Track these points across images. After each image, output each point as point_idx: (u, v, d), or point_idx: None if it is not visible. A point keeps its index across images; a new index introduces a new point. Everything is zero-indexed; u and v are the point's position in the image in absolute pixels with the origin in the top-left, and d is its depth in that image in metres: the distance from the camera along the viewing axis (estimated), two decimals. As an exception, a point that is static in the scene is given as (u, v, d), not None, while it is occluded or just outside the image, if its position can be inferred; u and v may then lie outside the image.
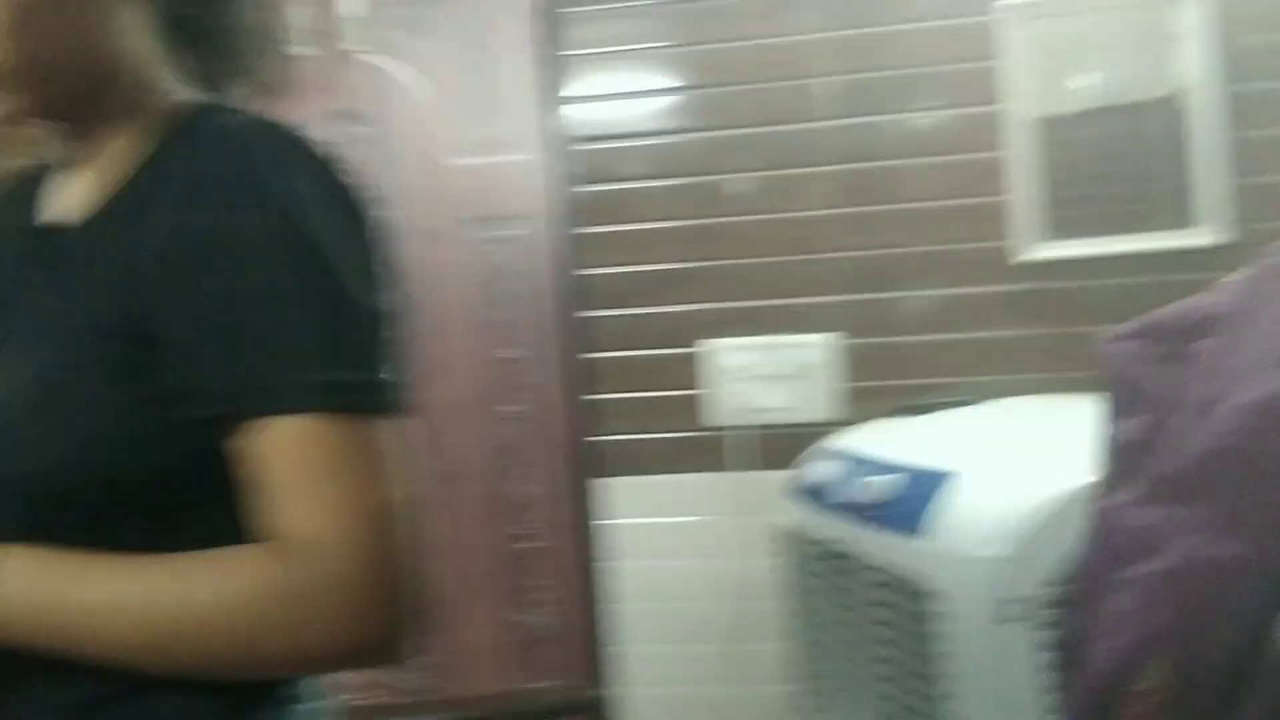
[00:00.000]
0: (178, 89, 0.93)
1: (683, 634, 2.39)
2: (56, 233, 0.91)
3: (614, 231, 2.41)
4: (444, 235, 2.43)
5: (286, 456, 0.78)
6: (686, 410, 2.39)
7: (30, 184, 0.99)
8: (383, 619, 0.78)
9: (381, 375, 0.81)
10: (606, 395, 2.42)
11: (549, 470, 2.43)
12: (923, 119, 2.33)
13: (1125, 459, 0.73)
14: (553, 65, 2.42)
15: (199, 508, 0.82)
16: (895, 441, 1.90)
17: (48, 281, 0.88)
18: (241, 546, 0.80)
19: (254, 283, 0.79)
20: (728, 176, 2.38)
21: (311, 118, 2.48)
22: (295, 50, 1.06)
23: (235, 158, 0.83)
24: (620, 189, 2.41)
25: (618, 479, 2.42)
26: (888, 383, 2.32)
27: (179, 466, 0.81)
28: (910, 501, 1.69)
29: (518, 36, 2.42)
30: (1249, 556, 0.59)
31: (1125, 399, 0.76)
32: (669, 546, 2.40)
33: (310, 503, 0.77)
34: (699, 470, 2.38)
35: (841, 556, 1.84)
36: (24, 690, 0.83)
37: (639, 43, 2.41)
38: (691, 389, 2.39)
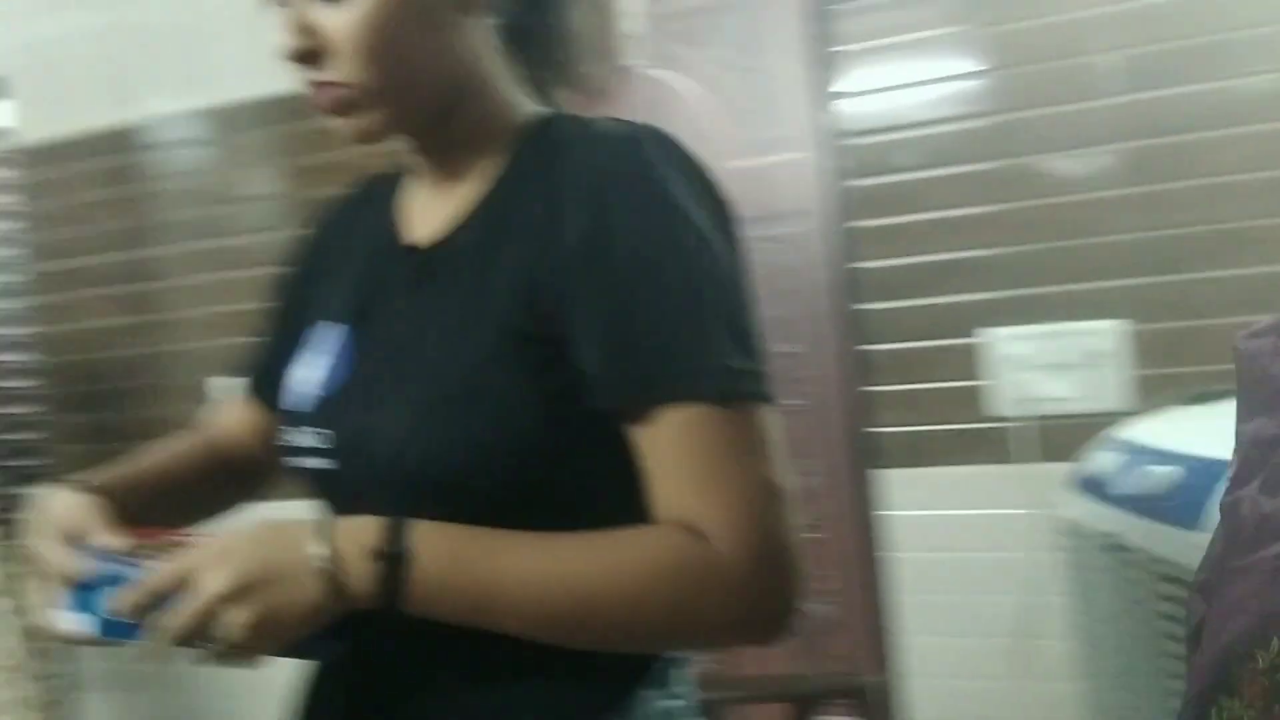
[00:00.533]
0: (521, 100, 0.99)
1: (964, 626, 2.36)
2: (435, 249, 0.96)
3: (888, 224, 2.41)
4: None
5: (681, 443, 0.82)
6: (967, 401, 2.35)
7: (378, 196, 1.06)
8: (771, 597, 0.81)
9: (761, 364, 0.85)
10: (884, 387, 2.43)
11: (828, 462, 2.46)
12: (1222, 90, 2.19)
13: (1256, 453, 0.71)
14: (824, 62, 2.45)
15: (596, 495, 0.87)
16: (1179, 431, 1.81)
17: (442, 294, 0.93)
18: (645, 527, 0.83)
19: (652, 281, 0.83)
20: (1006, 162, 2.33)
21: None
22: (622, 56, 1.11)
23: (630, 160, 0.87)
24: (894, 181, 2.41)
25: (897, 470, 2.41)
26: (1181, 370, 2.20)
27: (582, 456, 0.86)
28: (1190, 492, 1.61)
29: (789, 37, 2.46)
30: None
31: (1260, 396, 0.73)
32: (951, 539, 2.37)
33: (705, 487, 0.81)
34: (981, 462, 2.34)
35: (1123, 549, 1.78)
36: (438, 666, 0.90)
37: (910, 33, 2.40)
38: (972, 380, 2.36)
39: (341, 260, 1.06)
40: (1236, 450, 0.75)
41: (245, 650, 0.81)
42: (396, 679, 0.91)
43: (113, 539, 0.87)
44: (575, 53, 1.04)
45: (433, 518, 0.84)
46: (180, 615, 0.80)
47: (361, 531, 0.82)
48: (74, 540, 0.87)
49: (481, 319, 0.88)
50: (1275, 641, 0.61)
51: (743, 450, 0.82)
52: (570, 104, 1.04)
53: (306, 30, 0.90)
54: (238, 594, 0.80)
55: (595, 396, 0.84)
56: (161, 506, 1.01)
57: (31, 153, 3.14)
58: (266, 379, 1.10)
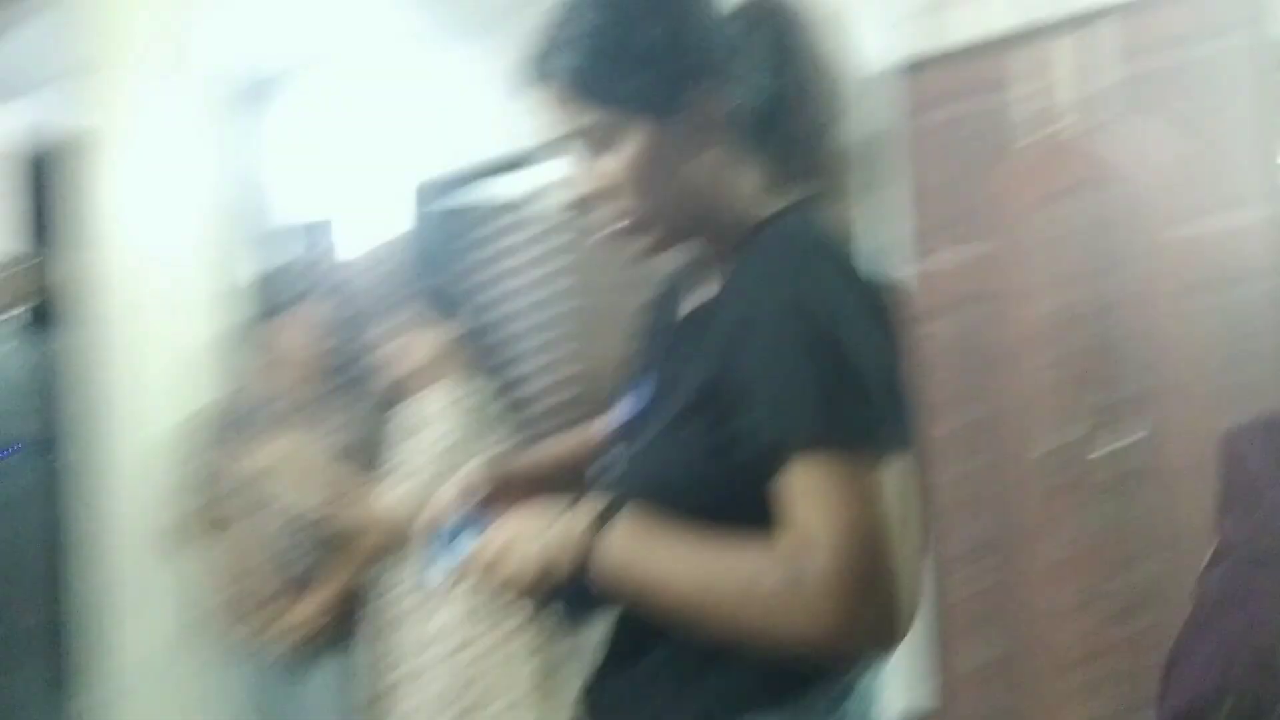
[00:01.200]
0: (759, 201, 1.22)
1: None
2: (684, 322, 1.27)
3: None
4: (1171, 300, 2.47)
5: (799, 485, 1.03)
6: None
7: (679, 282, 1.35)
8: (859, 617, 0.99)
9: (880, 424, 1.05)
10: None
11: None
12: None
13: (1224, 546, 0.74)
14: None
15: (747, 525, 1.08)
16: None
17: (682, 357, 1.21)
18: (763, 548, 1.05)
19: (776, 358, 1.06)
20: None
21: (1031, 200, 2.67)
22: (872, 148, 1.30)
23: (773, 261, 1.12)
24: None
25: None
26: None
27: (737, 491, 1.10)
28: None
29: (1241, 96, 2.40)
30: None
31: (1237, 492, 0.75)
32: None
33: (812, 518, 1.02)
34: None
35: None
36: (655, 645, 1.17)
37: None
38: None
39: (661, 322, 1.37)
40: (1216, 540, 0.79)
41: (518, 596, 1.18)
42: (626, 652, 1.22)
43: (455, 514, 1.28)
44: (813, 150, 1.24)
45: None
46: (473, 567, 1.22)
47: (577, 518, 1.15)
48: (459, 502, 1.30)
49: (688, 380, 1.16)
50: (1227, 704, 0.67)
51: (848, 491, 1.01)
52: (819, 194, 1.24)
53: (583, 179, 1.20)
54: (505, 550, 1.17)
55: (747, 445, 1.07)
56: (546, 487, 1.40)
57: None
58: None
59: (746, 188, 1.22)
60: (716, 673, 1.13)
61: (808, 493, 1.03)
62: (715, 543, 1.08)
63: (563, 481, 1.42)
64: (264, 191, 4.70)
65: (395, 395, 2.96)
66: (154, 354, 3.23)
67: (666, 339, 1.31)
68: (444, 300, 2.87)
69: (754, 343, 1.08)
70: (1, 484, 4.19)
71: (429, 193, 4.25)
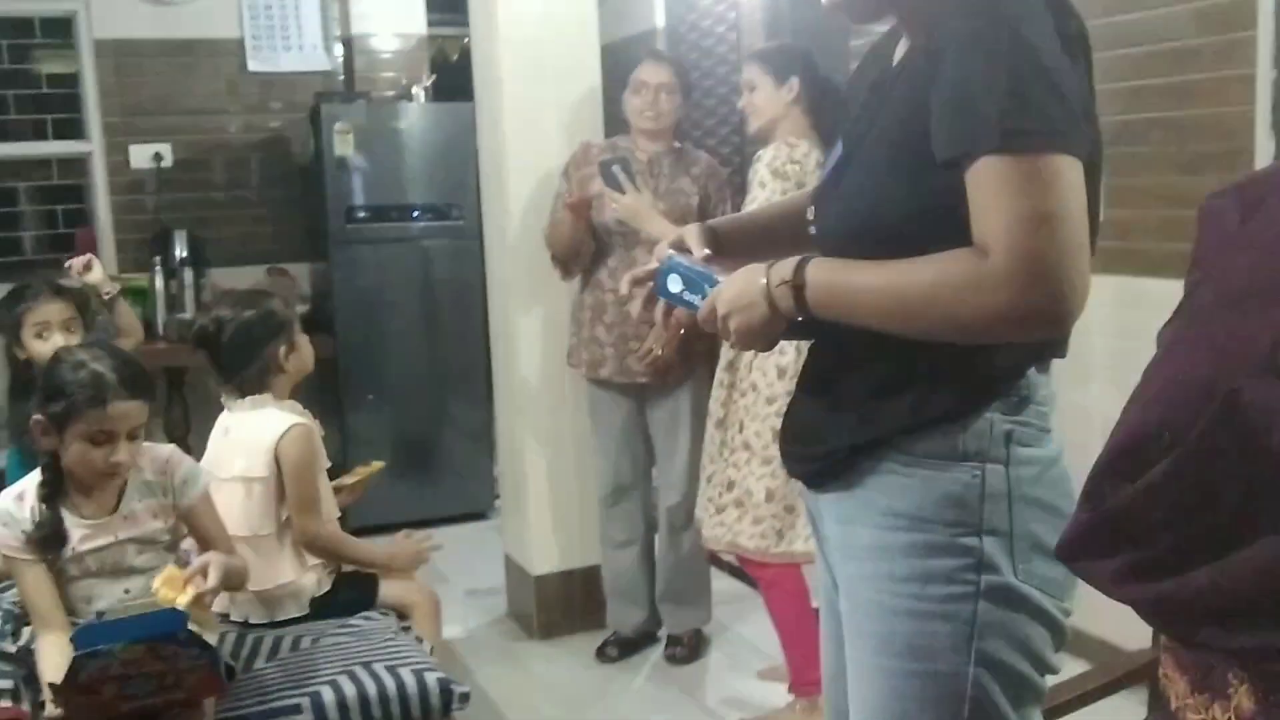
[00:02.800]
0: None
1: None
2: (885, 75, 1.36)
3: None
4: None
5: (983, 187, 1.14)
6: None
7: (881, 51, 1.42)
8: (1030, 296, 1.10)
9: (1057, 125, 1.12)
10: None
11: None
12: None
13: (1187, 294, 0.72)
14: None
15: (947, 237, 1.18)
16: None
17: (880, 106, 1.32)
18: (953, 251, 1.16)
19: (972, 68, 1.15)
20: None
21: None
22: None
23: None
24: None
25: None
26: None
27: (933, 212, 1.21)
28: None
29: None
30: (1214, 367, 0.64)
31: (1204, 248, 0.71)
32: None
33: (991, 217, 1.13)
34: None
35: None
36: (842, 378, 1.34)
37: None
38: None
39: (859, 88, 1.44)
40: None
41: (744, 343, 1.35)
42: (832, 359, 1.37)
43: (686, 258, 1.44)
44: None
45: (851, 251, 1.26)
46: (706, 320, 1.37)
47: (784, 268, 1.29)
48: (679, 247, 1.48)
49: (888, 120, 1.28)
50: (1165, 436, 0.71)
51: (1022, 189, 1.10)
52: None
53: None
54: (728, 318, 1.33)
55: (936, 156, 1.18)
56: (754, 244, 1.54)
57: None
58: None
59: None
60: (892, 400, 1.28)
61: (989, 192, 1.13)
62: (905, 259, 1.21)
63: (775, 237, 1.55)
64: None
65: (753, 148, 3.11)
66: (529, 118, 3.54)
67: (860, 101, 1.40)
68: (783, 60, 2.94)
69: (949, 56, 1.18)
70: (415, 240, 4.82)
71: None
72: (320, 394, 4.90)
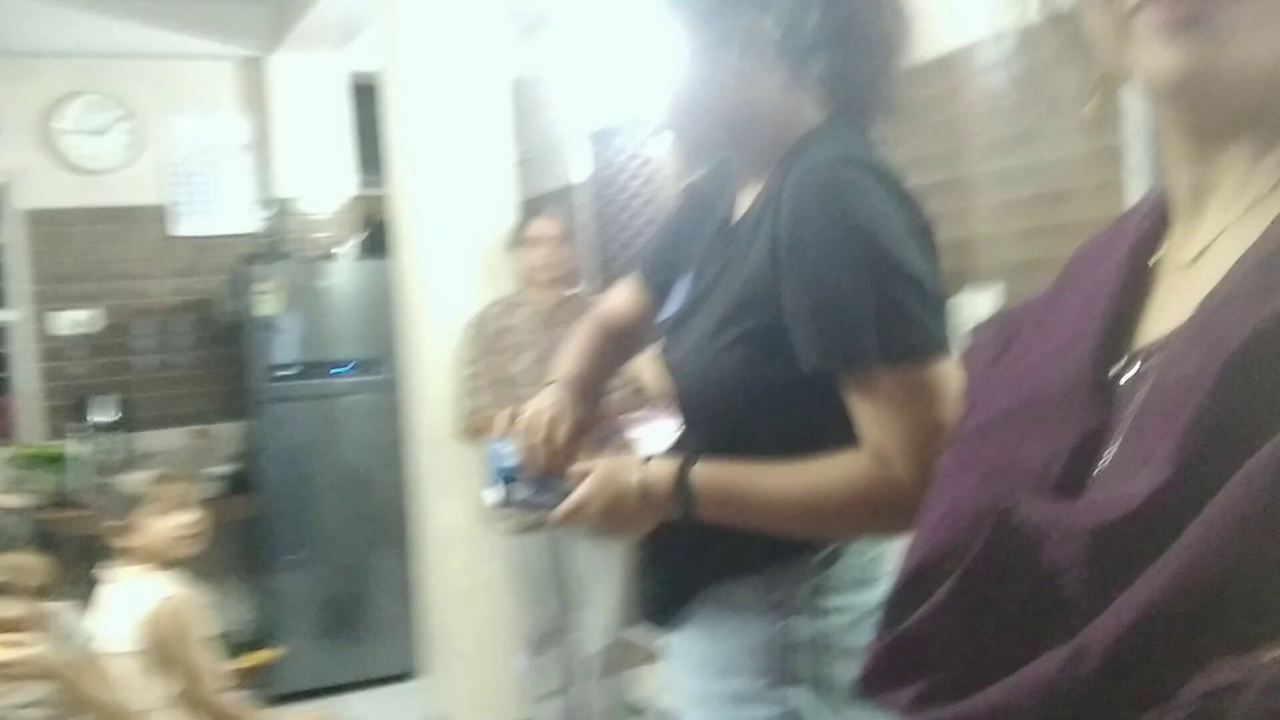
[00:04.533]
0: (803, 115, 1.26)
1: None
2: (730, 230, 1.34)
3: None
4: None
5: (873, 399, 1.15)
6: None
7: (720, 186, 1.40)
8: (911, 505, 1.10)
9: (932, 332, 1.14)
10: None
11: None
12: None
13: (960, 421, 0.77)
14: None
15: (802, 424, 1.21)
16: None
17: (724, 264, 1.31)
18: (847, 455, 1.17)
19: (837, 280, 1.15)
20: None
21: None
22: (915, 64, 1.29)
23: (818, 176, 1.18)
24: None
25: None
26: None
27: (779, 395, 1.21)
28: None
29: None
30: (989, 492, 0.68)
31: (970, 377, 0.76)
32: None
33: (889, 430, 1.14)
34: None
35: None
36: (663, 527, 1.31)
37: None
38: None
39: (712, 219, 1.42)
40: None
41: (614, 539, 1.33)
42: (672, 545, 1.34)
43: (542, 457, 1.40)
44: (866, 65, 1.26)
45: (697, 423, 1.28)
46: (565, 520, 1.33)
47: (662, 473, 1.25)
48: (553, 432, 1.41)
49: (733, 288, 1.25)
50: (948, 560, 0.72)
51: (918, 398, 1.11)
52: (875, 112, 1.28)
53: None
54: (598, 523, 1.30)
55: (803, 363, 1.17)
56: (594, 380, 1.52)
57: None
58: (653, 268, 1.52)
59: (790, 104, 1.27)
60: (708, 547, 1.29)
61: (880, 405, 1.14)
62: (800, 465, 1.20)
63: (613, 364, 1.60)
64: (549, 106, 5.03)
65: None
66: (447, 273, 3.61)
67: (710, 241, 1.39)
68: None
69: (805, 260, 1.17)
70: (340, 396, 4.83)
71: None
72: (244, 555, 4.84)
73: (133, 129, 5.13)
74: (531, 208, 3.56)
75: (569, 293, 3.48)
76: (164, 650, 2.43)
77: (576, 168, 5.12)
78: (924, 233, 1.21)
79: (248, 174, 5.33)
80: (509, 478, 1.37)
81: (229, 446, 5.10)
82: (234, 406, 5.08)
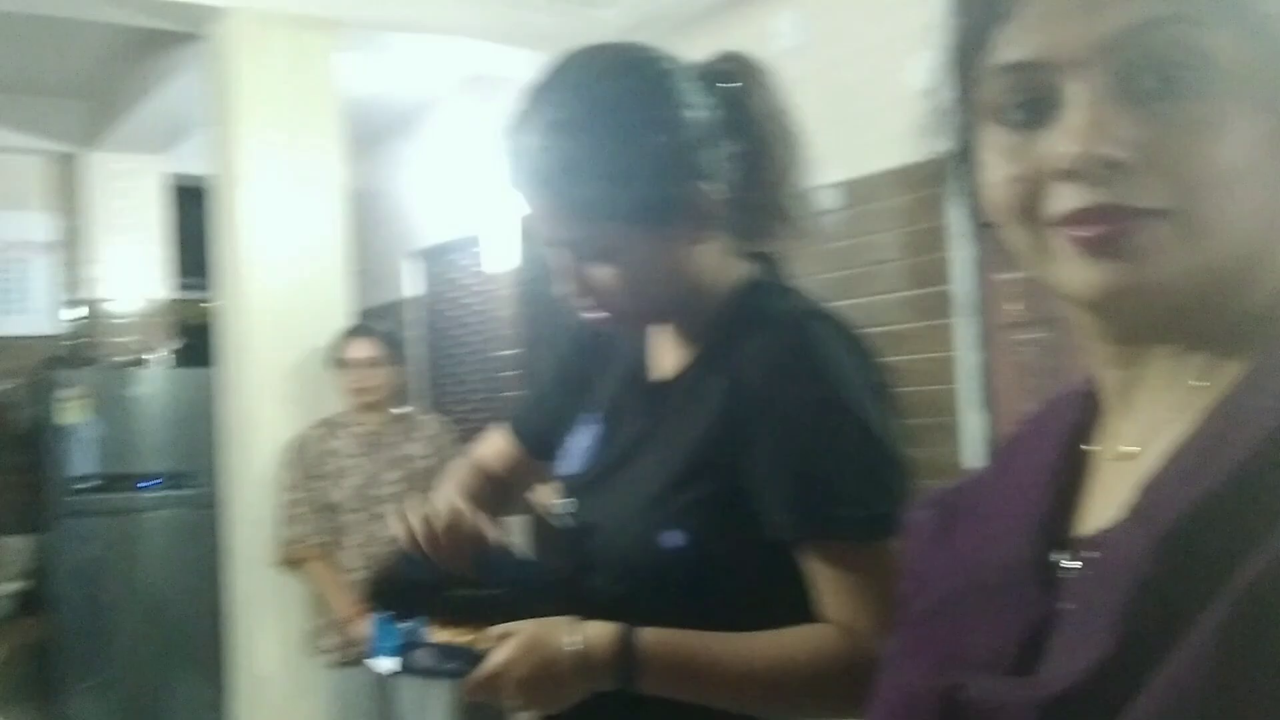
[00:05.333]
0: (729, 266, 1.22)
1: None
2: (660, 387, 1.25)
3: None
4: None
5: (837, 569, 1.10)
6: None
7: (629, 343, 1.32)
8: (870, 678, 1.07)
9: (893, 503, 1.09)
10: None
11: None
12: None
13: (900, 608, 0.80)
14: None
15: (754, 593, 1.14)
16: None
17: (659, 421, 1.23)
18: (813, 627, 1.10)
19: (805, 442, 1.10)
20: None
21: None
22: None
23: (769, 336, 1.14)
24: None
25: None
26: None
27: (727, 561, 1.15)
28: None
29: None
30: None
31: (909, 562, 0.80)
32: None
33: (857, 602, 1.08)
34: None
35: None
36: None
37: None
38: None
39: (608, 368, 1.35)
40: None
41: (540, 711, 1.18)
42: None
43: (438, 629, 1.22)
44: (781, 205, 1.23)
45: (635, 588, 1.17)
46: (479, 690, 1.15)
47: (600, 639, 1.11)
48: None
49: (680, 449, 1.18)
50: None
51: (884, 570, 1.05)
52: (786, 242, 1.26)
53: (573, 280, 1.19)
54: (518, 663, 1.12)
55: (767, 530, 1.11)
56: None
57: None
58: (529, 426, 1.44)
59: (719, 259, 1.23)
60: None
61: (847, 579, 1.09)
62: (760, 635, 1.12)
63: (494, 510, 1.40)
64: (407, 215, 4.96)
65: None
66: (275, 386, 3.49)
67: (631, 386, 1.31)
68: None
69: (776, 425, 1.12)
70: (144, 511, 4.57)
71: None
72: (32, 680, 4.47)
73: (-70, 221, 4.82)
74: (350, 328, 3.46)
75: (396, 412, 3.40)
76: None
77: (410, 282, 5.07)
78: (886, 391, 1.18)
79: (55, 273, 5.06)
80: (407, 644, 1.21)
81: (19, 562, 4.73)
82: (27, 519, 4.73)
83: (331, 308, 3.56)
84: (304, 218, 3.57)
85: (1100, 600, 0.59)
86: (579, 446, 1.32)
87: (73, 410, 4.45)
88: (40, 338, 4.97)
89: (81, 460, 4.46)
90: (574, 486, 1.31)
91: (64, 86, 4.80)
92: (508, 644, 1.13)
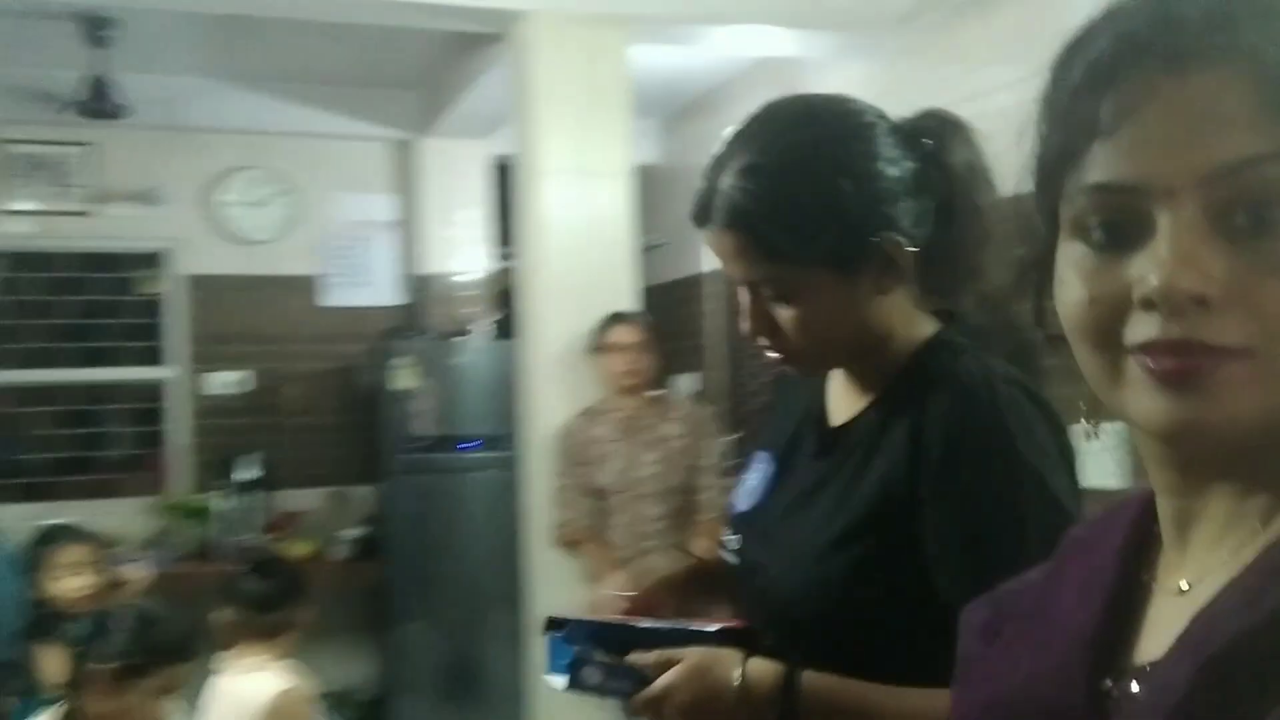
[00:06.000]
0: (913, 322, 1.22)
1: None
2: (838, 431, 1.26)
3: None
4: None
5: None
6: None
7: (809, 384, 1.34)
8: None
9: None
10: None
11: None
12: None
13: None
14: None
15: (912, 648, 1.12)
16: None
17: (832, 468, 1.23)
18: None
19: (990, 506, 1.09)
20: None
21: None
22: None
23: (981, 410, 1.12)
24: None
25: None
26: None
27: (891, 617, 1.14)
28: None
29: None
30: None
31: (961, 664, 0.79)
32: None
33: None
34: None
35: None
36: None
37: None
38: None
39: (789, 409, 1.37)
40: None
41: None
42: None
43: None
44: (969, 263, 1.22)
45: (796, 634, 1.18)
46: (644, 709, 1.21)
47: (768, 673, 1.15)
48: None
49: (855, 499, 1.18)
50: None
51: None
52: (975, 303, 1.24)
53: (759, 323, 1.21)
54: (679, 710, 1.17)
55: (942, 593, 1.10)
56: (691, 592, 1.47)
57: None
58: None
59: (904, 311, 1.23)
60: None
61: None
62: (911, 691, 1.10)
63: (703, 584, 1.46)
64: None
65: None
66: (563, 360, 3.72)
67: (801, 434, 1.32)
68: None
69: (961, 485, 1.10)
70: (468, 472, 4.99)
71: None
72: (369, 615, 5.01)
73: (290, 203, 5.42)
74: (612, 315, 3.64)
75: (651, 394, 3.55)
76: None
77: (709, 256, 5.18)
78: (1071, 456, 1.15)
79: (394, 250, 5.57)
80: (576, 662, 1.28)
81: (362, 510, 5.30)
82: (369, 471, 5.28)
83: (617, 283, 3.75)
84: (594, 198, 3.78)
85: None
86: (751, 484, 1.36)
87: (406, 376, 4.90)
88: (381, 309, 5.49)
89: (414, 422, 4.91)
90: (742, 524, 1.34)
91: (399, 80, 5.26)
92: (676, 669, 1.18)
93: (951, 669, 1.10)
